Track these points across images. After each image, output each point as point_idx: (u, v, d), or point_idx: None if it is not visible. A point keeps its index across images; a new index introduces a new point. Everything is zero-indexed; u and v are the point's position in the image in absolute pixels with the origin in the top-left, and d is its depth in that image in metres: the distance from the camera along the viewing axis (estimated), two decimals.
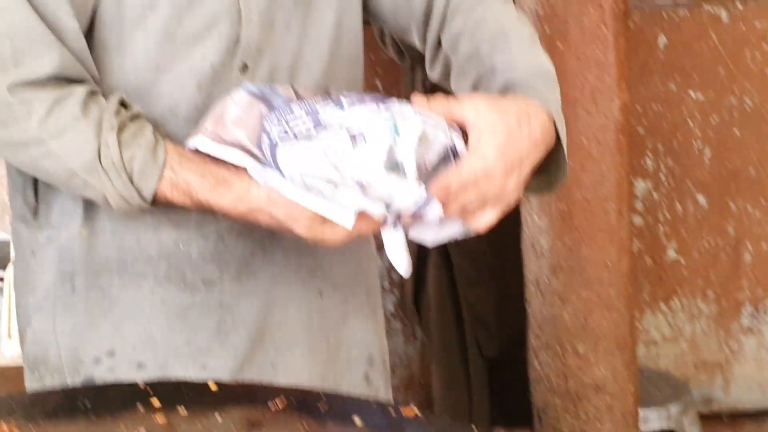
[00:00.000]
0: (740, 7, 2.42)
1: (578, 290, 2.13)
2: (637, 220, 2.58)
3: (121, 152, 1.10)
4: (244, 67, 1.20)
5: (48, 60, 1.11)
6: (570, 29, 2.00)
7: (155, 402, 1.01)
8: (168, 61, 1.17)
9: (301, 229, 1.08)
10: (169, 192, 1.12)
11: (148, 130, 1.13)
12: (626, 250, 2.18)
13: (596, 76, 2.04)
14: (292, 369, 1.26)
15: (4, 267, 2.85)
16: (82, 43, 1.14)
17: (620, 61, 2.04)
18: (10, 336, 2.39)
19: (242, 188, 1.09)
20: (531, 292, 2.20)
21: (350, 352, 1.32)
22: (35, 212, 1.24)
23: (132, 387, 1.04)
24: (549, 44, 2.01)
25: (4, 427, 0.95)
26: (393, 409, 0.98)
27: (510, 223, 2.23)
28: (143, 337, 1.22)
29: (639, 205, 2.56)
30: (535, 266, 2.19)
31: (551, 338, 2.17)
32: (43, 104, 1.10)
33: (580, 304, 2.13)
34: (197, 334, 1.23)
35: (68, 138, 1.11)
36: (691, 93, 2.48)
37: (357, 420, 0.97)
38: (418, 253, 2.39)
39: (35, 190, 1.23)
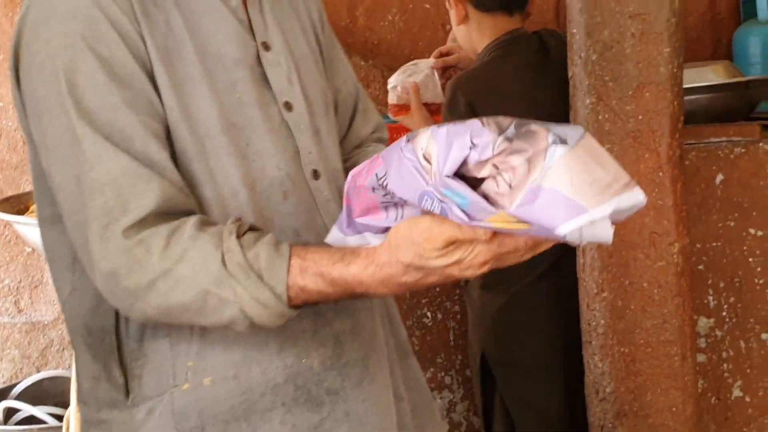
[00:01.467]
0: None
1: None
2: (701, 358, 2.53)
3: (244, 253, 1.10)
4: (315, 174, 1.27)
5: (152, 195, 1.11)
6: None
7: None
8: (252, 180, 1.21)
9: (439, 261, 1.03)
10: (300, 279, 1.10)
11: (267, 233, 1.15)
12: (691, 393, 2.14)
13: (655, 221, 2.04)
14: None
15: (65, 405, 2.87)
16: (177, 175, 1.16)
17: (678, 205, 2.05)
18: None
19: (369, 250, 1.09)
20: None
21: None
22: (127, 391, 1.22)
23: None
24: None
25: None
26: None
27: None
28: None
29: (702, 343, 2.52)
30: (599, 410, 2.16)
31: None
32: (159, 238, 1.10)
33: None
34: None
35: (191, 257, 1.10)
36: (751, 230, 2.46)
37: None
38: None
39: (122, 367, 1.21)
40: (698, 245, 2.47)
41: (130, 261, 1.10)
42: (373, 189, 1.04)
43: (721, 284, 2.50)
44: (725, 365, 2.55)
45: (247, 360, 1.20)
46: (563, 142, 0.94)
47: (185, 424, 1.20)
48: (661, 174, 2.01)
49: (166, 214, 1.12)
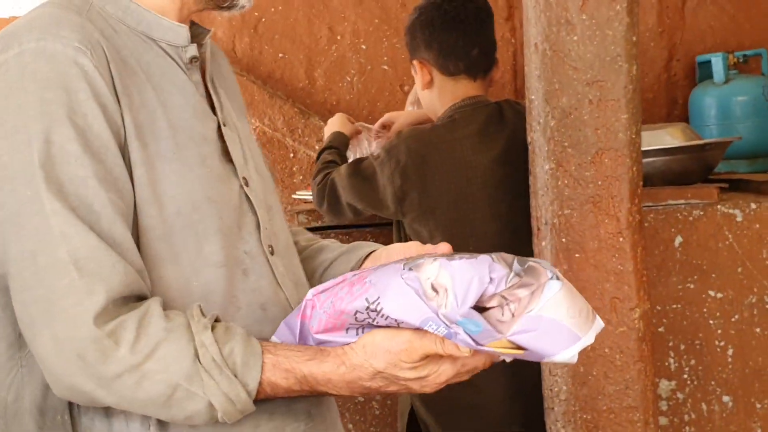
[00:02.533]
0: (754, 206, 2.44)
1: None
2: (663, 421, 2.52)
3: (219, 348, 1.09)
4: (271, 249, 1.27)
5: (117, 279, 1.08)
6: (587, 240, 2.01)
7: None
8: (223, 256, 1.19)
9: (408, 373, 1.10)
10: (272, 375, 1.12)
11: (235, 325, 1.14)
12: None
13: (615, 286, 2.03)
14: None
15: None
16: (138, 257, 1.13)
17: (638, 270, 2.04)
18: None
19: (340, 351, 1.12)
20: None
21: None
22: None
23: None
24: (566, 255, 2.02)
25: None
26: None
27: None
28: None
29: (663, 405, 2.51)
30: None
31: None
32: (128, 331, 1.07)
33: None
34: None
35: (162, 352, 1.08)
36: (710, 291, 2.47)
37: None
38: None
39: None
40: (658, 307, 2.47)
41: (99, 352, 1.07)
42: (356, 313, 1.10)
43: (682, 346, 2.50)
44: (687, 428, 2.55)
45: None
46: (557, 278, 1.07)
47: None
48: (621, 239, 2.01)
49: (127, 297, 1.10)
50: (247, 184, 1.28)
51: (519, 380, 2.29)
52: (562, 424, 2.10)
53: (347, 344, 1.13)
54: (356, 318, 1.11)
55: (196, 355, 1.08)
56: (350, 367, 1.11)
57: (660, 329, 2.49)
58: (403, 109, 2.99)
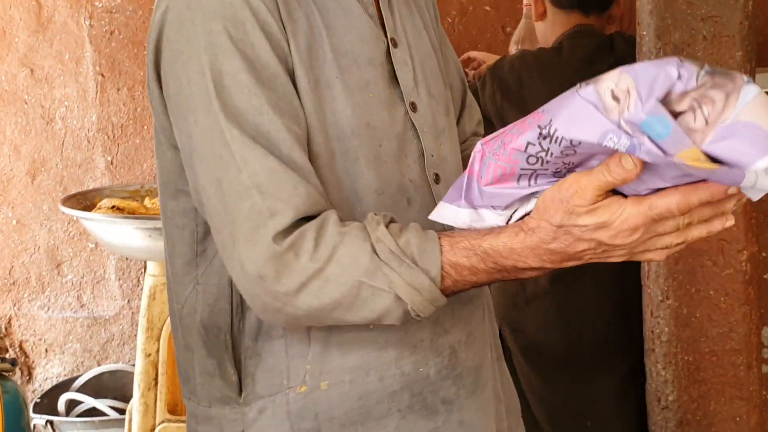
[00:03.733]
0: None
1: None
2: (765, 369, 2.48)
3: (396, 241, 1.08)
4: (437, 178, 1.24)
5: (298, 200, 1.09)
6: None
7: None
8: (383, 183, 1.18)
9: (587, 219, 0.98)
10: (452, 255, 1.08)
11: (409, 222, 1.13)
12: (756, 404, 2.10)
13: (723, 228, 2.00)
14: None
15: (124, 399, 2.91)
16: (317, 179, 1.13)
17: (747, 212, 2.01)
18: None
19: (514, 224, 1.05)
20: None
21: None
22: (240, 389, 1.21)
23: None
24: None
25: None
26: None
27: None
28: None
29: (766, 354, 2.48)
30: (660, 419, 2.13)
31: None
32: (307, 241, 1.08)
33: None
34: None
35: (341, 253, 1.07)
36: None
37: None
38: None
39: (236, 365, 1.21)
40: (764, 254, 2.43)
41: (280, 266, 1.08)
42: (528, 147, 0.99)
43: None
44: None
45: (364, 366, 1.19)
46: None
47: (301, 425, 1.19)
48: None
49: (310, 218, 1.11)
50: (414, 109, 1.24)
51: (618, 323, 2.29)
52: (662, 366, 2.10)
53: (520, 198, 1.04)
54: (527, 161, 1.00)
55: (374, 251, 1.07)
56: (528, 231, 1.03)
57: (765, 276, 2.45)
58: (507, 52, 2.97)
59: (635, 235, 0.98)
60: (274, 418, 1.19)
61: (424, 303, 1.08)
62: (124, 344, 3.21)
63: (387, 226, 1.10)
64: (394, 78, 1.23)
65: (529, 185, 1.02)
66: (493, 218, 1.07)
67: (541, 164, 1.00)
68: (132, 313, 3.19)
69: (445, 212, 1.10)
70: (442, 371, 1.22)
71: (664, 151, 0.91)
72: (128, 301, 3.19)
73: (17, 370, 3.15)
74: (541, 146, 0.97)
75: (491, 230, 1.06)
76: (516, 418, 1.42)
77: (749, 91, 0.91)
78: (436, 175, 1.25)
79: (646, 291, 2.11)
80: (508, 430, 1.37)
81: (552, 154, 0.98)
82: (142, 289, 2.51)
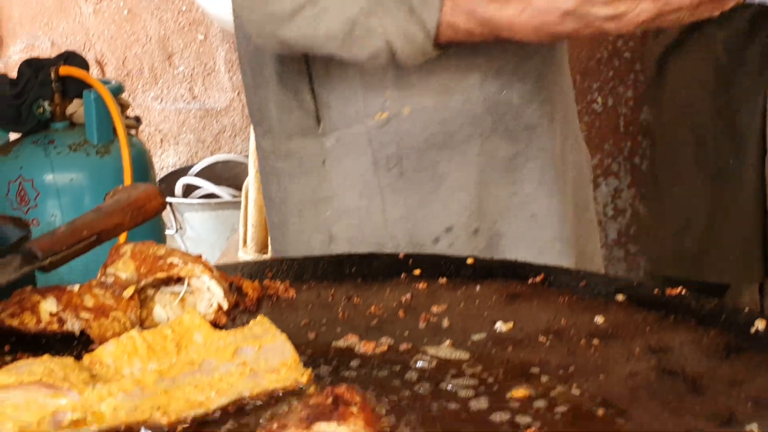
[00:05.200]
0: None
1: None
2: None
3: None
4: None
5: None
6: None
7: (417, 272, 1.03)
8: None
9: (602, 9, 0.99)
10: (451, 16, 1.07)
11: None
12: None
13: None
14: None
15: (237, 187, 3.00)
16: None
17: None
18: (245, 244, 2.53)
19: None
20: None
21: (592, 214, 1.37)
22: (317, 119, 1.21)
23: (393, 257, 1.06)
24: None
25: (280, 284, 1.00)
26: (657, 288, 0.96)
27: None
28: (476, 203, 1.21)
29: None
30: None
31: None
32: None
33: None
34: (523, 184, 1.23)
35: None
36: None
37: (620, 297, 0.96)
38: None
39: (313, 94, 1.20)
40: None
41: None
42: None
43: None
44: None
45: (447, 89, 1.18)
46: None
47: (383, 152, 1.20)
48: None
49: None
50: None
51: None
52: None
53: None
54: None
55: None
56: (536, 11, 1.02)
57: None
58: None
59: (642, 27, 1.00)
60: (355, 147, 1.20)
61: (414, 53, 1.08)
62: (235, 136, 3.27)
63: None
64: None
65: None
66: None
67: None
68: (242, 105, 3.24)
69: None
70: (525, 96, 1.21)
71: None
72: (238, 93, 3.23)
73: None
74: None
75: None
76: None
77: None
78: None
79: None
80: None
81: None
82: None
